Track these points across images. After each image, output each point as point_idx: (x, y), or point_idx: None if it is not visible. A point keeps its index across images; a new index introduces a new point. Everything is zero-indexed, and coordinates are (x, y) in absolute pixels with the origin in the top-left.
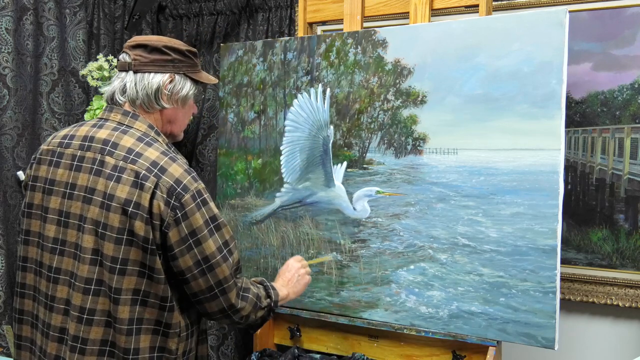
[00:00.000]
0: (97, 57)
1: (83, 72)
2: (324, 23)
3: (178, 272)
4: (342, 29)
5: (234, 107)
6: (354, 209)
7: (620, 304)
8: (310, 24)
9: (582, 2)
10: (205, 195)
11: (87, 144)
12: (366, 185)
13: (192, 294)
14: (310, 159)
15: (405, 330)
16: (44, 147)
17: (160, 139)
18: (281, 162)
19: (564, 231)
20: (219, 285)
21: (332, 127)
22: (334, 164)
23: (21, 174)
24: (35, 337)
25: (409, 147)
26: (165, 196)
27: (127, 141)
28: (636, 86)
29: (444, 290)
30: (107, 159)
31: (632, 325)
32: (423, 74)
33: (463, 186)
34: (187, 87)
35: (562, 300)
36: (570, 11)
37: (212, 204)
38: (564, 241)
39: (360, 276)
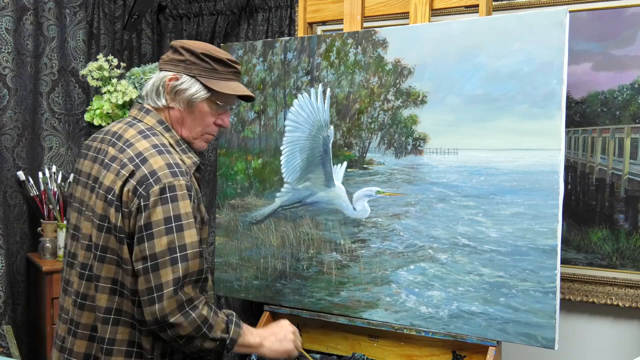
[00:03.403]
0: (97, 57)
1: (83, 72)
2: (324, 23)
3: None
4: (342, 29)
5: (234, 107)
6: (354, 209)
7: (620, 304)
8: (310, 24)
9: (582, 2)
10: (177, 192)
11: (105, 136)
12: (366, 185)
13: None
14: (310, 159)
15: (405, 330)
16: (85, 142)
17: (167, 135)
18: (281, 162)
19: (564, 231)
20: (159, 289)
21: (332, 127)
22: (334, 164)
23: (21, 174)
24: (59, 319)
25: (409, 147)
26: (135, 184)
27: (129, 133)
28: (636, 86)
29: (444, 290)
30: (110, 149)
31: (632, 325)
32: (423, 74)
33: (463, 186)
34: (193, 90)
35: (562, 300)
36: (570, 11)
37: (182, 203)
38: (564, 241)
39: (360, 276)
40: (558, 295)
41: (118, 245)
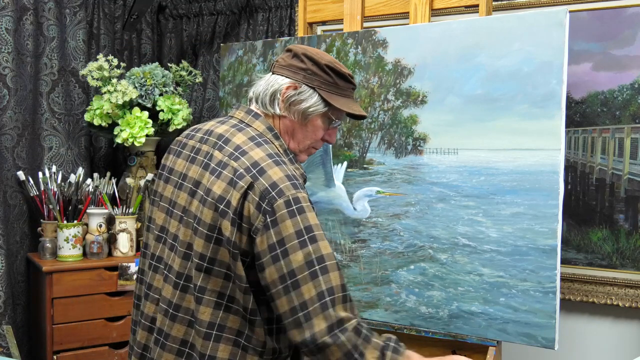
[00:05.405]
0: (97, 57)
1: (83, 72)
2: (324, 23)
3: (265, 287)
4: (342, 29)
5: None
6: (354, 209)
7: (620, 304)
8: (310, 24)
9: (582, 2)
10: (303, 204)
11: (205, 137)
12: (366, 185)
13: (278, 317)
14: (310, 159)
15: (405, 330)
16: (177, 138)
17: (276, 143)
18: None
19: (564, 231)
20: (304, 307)
21: None
22: (334, 164)
23: (21, 174)
24: (137, 325)
25: (409, 147)
26: (257, 199)
27: (239, 139)
28: (636, 86)
29: (444, 290)
30: (216, 153)
31: (632, 325)
32: (423, 74)
33: (463, 186)
34: (310, 102)
35: (562, 300)
36: (570, 11)
37: (310, 214)
38: (564, 241)
39: (360, 276)
40: (558, 295)
41: (231, 260)
